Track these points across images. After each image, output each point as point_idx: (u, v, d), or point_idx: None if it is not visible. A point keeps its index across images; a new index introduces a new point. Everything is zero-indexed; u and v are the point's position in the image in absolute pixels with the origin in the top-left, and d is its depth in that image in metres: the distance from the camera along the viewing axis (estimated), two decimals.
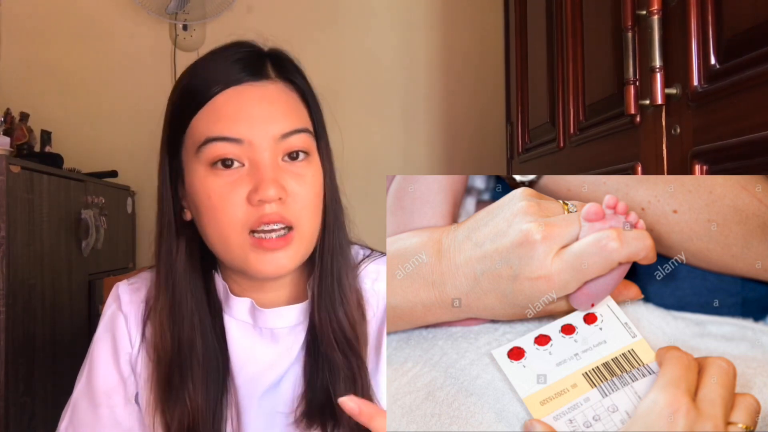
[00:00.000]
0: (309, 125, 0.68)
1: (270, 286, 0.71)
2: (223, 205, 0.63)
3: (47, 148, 1.94)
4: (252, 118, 0.64)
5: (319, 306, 0.69)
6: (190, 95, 0.66)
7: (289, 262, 0.65)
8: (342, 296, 0.70)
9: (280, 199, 0.63)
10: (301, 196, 0.65)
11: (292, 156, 0.65)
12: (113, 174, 2.00)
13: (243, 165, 0.64)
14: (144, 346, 0.71)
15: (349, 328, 0.69)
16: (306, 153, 0.66)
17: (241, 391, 0.70)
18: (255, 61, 0.67)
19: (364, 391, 0.69)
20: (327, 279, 0.69)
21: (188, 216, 0.68)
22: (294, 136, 0.65)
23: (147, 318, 0.72)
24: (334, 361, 0.68)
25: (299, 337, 0.71)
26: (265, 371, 0.70)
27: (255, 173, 0.63)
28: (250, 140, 0.63)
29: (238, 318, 0.71)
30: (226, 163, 0.63)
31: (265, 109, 0.65)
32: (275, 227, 0.63)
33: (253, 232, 0.63)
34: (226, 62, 0.66)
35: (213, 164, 0.63)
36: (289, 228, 0.64)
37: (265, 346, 0.70)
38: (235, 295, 0.71)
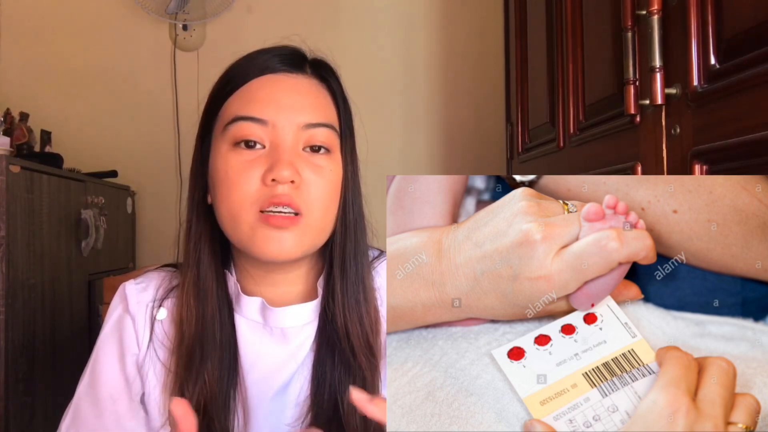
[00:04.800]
0: (335, 123, 0.70)
1: (282, 281, 0.71)
2: (238, 181, 0.65)
3: (47, 148, 1.94)
4: (281, 103, 0.66)
5: (344, 307, 0.69)
6: (227, 81, 0.69)
7: (294, 246, 0.65)
8: (366, 299, 0.70)
9: (293, 182, 0.64)
10: (315, 186, 0.66)
11: (314, 148, 0.67)
12: (113, 174, 2.01)
13: (264, 147, 0.66)
14: (153, 345, 0.71)
15: (371, 333, 0.69)
16: (327, 149, 0.68)
17: (251, 390, 0.70)
18: (294, 58, 0.70)
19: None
20: (351, 279, 0.70)
21: (209, 200, 0.70)
22: (318, 128, 0.67)
23: (155, 316, 0.72)
24: (348, 367, 0.68)
25: (309, 335, 0.71)
26: (276, 371, 0.70)
27: (273, 154, 0.65)
28: (275, 123, 0.66)
29: (249, 317, 0.71)
30: (249, 143, 0.66)
31: (295, 98, 0.67)
32: (283, 210, 0.64)
33: (262, 211, 0.64)
34: (267, 55, 0.70)
35: (236, 143, 0.66)
36: (297, 214, 0.65)
37: (275, 345, 0.70)
38: (248, 292, 0.71)
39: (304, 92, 0.68)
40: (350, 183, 0.70)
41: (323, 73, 0.71)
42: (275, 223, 0.64)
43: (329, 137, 0.68)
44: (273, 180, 0.64)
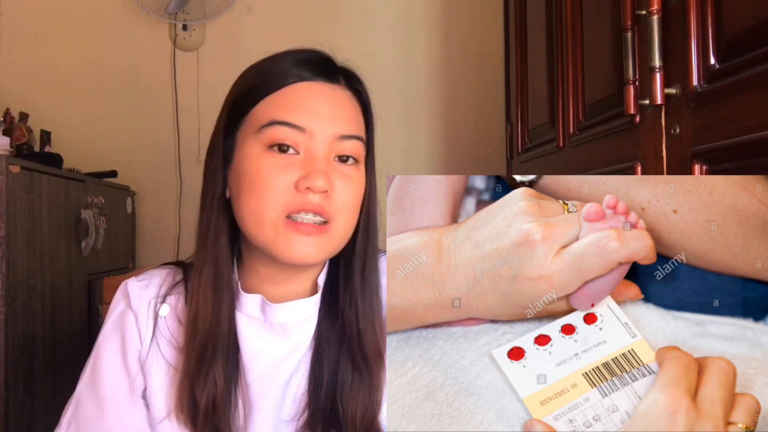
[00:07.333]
0: (363, 135, 0.71)
1: (289, 279, 0.72)
2: (270, 183, 0.65)
3: (47, 148, 1.94)
4: (318, 112, 0.67)
5: (363, 315, 0.69)
6: (261, 81, 0.69)
7: (317, 252, 0.66)
8: (379, 310, 0.71)
9: (325, 192, 0.65)
10: (344, 195, 0.67)
11: (343, 159, 0.68)
12: (113, 174, 2.00)
13: (298, 153, 0.66)
14: (156, 341, 0.71)
15: (382, 340, 0.70)
16: (356, 159, 0.69)
17: (252, 386, 0.70)
18: (329, 67, 0.71)
19: (376, 407, 0.69)
20: (370, 289, 0.71)
21: (227, 194, 0.70)
22: (350, 140, 0.68)
23: (158, 312, 0.72)
24: (360, 374, 0.68)
25: (310, 330, 0.71)
26: (277, 367, 0.70)
27: (308, 162, 0.65)
28: (312, 131, 0.66)
29: (249, 314, 0.71)
30: (283, 147, 0.66)
31: (332, 108, 0.68)
32: (314, 218, 0.65)
33: (289, 216, 0.65)
34: (301, 60, 0.70)
35: (270, 146, 0.66)
36: (325, 222, 0.66)
37: (276, 341, 0.70)
38: (247, 289, 0.71)
39: (340, 103, 0.69)
40: (371, 192, 0.72)
41: (355, 84, 0.72)
42: (303, 230, 0.64)
43: (358, 149, 0.69)
44: (307, 188, 0.64)
